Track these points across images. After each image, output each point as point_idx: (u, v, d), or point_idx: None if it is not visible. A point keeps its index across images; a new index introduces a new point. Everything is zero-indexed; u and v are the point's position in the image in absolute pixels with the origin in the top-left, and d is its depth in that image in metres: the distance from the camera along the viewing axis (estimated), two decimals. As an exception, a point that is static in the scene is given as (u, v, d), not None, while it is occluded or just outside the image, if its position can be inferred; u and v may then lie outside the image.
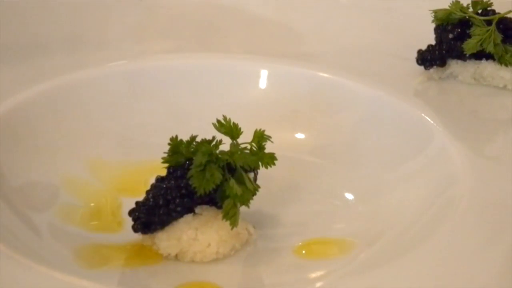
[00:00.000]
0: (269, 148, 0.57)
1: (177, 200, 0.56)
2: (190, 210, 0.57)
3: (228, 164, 0.56)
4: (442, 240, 0.54)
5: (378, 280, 0.51)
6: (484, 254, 0.53)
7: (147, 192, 0.58)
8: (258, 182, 0.58)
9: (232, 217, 0.55)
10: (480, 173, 0.60)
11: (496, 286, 0.50)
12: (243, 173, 0.56)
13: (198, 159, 0.55)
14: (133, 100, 0.72)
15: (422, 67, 0.73)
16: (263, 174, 0.59)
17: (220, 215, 0.56)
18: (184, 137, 0.57)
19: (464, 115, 0.68)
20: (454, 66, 0.72)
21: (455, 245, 0.53)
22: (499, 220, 0.55)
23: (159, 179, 0.58)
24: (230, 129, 0.57)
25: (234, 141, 0.57)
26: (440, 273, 0.50)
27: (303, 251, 0.59)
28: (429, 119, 0.66)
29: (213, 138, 0.57)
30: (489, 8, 0.71)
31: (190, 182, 0.55)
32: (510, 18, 0.71)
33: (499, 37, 0.69)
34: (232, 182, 0.55)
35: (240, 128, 0.57)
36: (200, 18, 0.85)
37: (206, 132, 0.57)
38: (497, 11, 0.71)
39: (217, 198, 0.56)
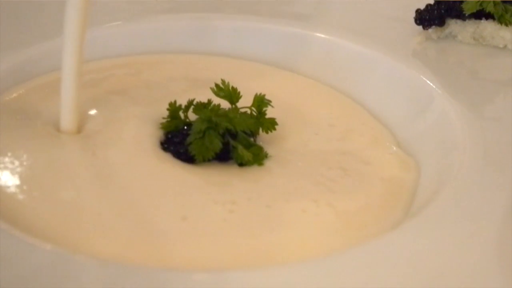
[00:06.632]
0: (269, 113, 0.57)
1: (176, 167, 0.55)
2: (189, 176, 0.56)
3: (229, 130, 0.55)
4: (443, 203, 0.53)
5: (380, 246, 0.50)
6: (485, 215, 0.52)
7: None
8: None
9: None
10: (480, 134, 0.59)
11: (497, 244, 0.49)
12: (246, 136, 0.55)
13: (197, 126, 0.54)
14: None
15: (420, 27, 0.72)
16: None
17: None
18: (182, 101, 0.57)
19: (463, 76, 0.67)
20: (453, 25, 0.71)
21: (456, 209, 0.53)
22: (499, 182, 0.55)
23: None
24: (229, 93, 0.56)
25: (233, 106, 0.56)
26: (442, 237, 0.50)
27: None
28: (428, 81, 0.65)
29: (209, 101, 0.56)
30: (489, -34, 0.70)
31: (189, 150, 0.54)
32: (510, -23, 0.70)
33: (499, -4, 0.69)
34: (241, 149, 0.54)
35: (239, 92, 0.56)
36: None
37: (204, 96, 0.57)
38: (498, -31, 0.70)
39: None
